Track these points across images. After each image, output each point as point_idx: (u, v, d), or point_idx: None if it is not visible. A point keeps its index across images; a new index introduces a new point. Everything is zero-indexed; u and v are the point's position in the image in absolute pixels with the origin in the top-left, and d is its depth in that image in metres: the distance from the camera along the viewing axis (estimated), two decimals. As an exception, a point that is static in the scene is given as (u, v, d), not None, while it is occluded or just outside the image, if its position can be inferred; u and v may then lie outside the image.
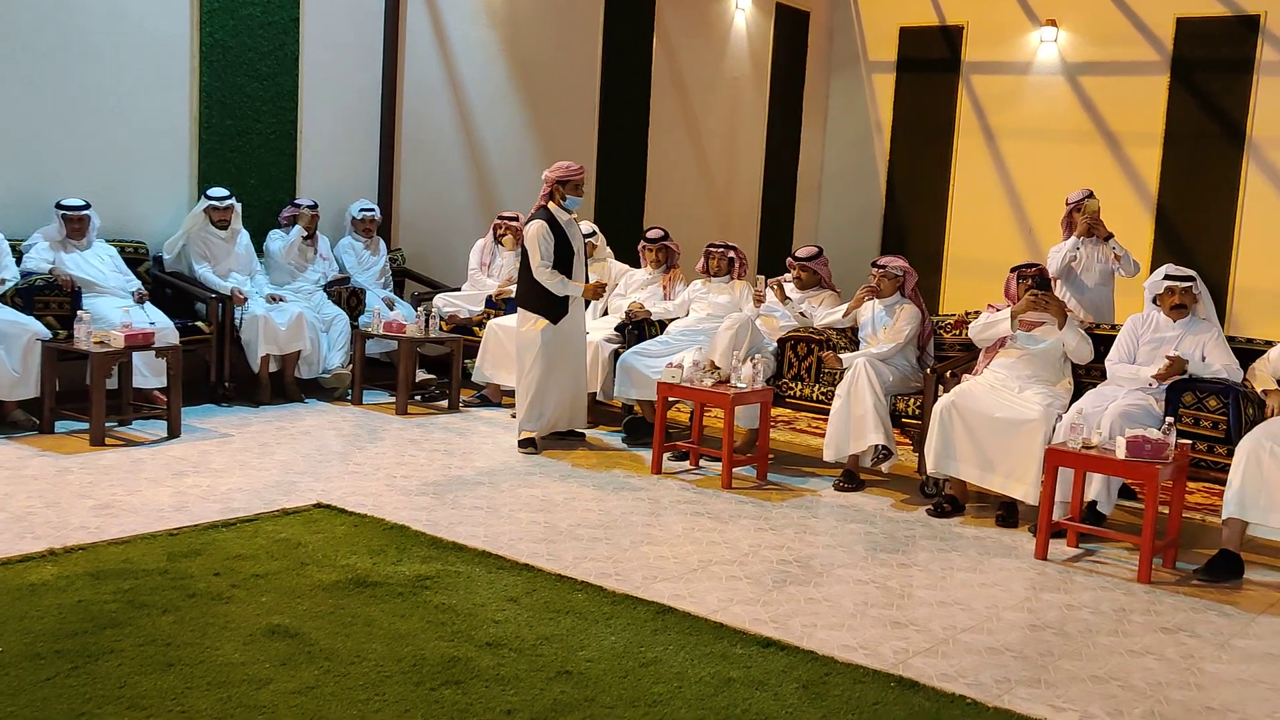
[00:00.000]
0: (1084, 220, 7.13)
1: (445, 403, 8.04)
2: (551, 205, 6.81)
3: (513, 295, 8.36)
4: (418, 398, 8.10)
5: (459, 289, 8.79)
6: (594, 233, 8.32)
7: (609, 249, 8.52)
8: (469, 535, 5.16)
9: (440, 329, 8.19)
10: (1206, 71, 9.29)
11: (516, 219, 8.67)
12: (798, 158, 11.71)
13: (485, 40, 9.38)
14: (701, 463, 6.85)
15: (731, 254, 7.69)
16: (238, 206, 7.80)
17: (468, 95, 9.33)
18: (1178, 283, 5.87)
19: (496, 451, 6.86)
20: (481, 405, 8.15)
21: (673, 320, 7.69)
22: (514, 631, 4.06)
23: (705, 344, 7.03)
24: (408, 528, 5.20)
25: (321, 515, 5.33)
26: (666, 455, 6.78)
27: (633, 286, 8.11)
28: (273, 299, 7.77)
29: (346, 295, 8.30)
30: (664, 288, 7.98)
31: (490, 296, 8.46)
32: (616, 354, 7.42)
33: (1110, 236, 7.16)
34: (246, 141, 8.19)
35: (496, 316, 8.16)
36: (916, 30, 10.89)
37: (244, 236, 7.94)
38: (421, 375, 8.36)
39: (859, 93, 11.37)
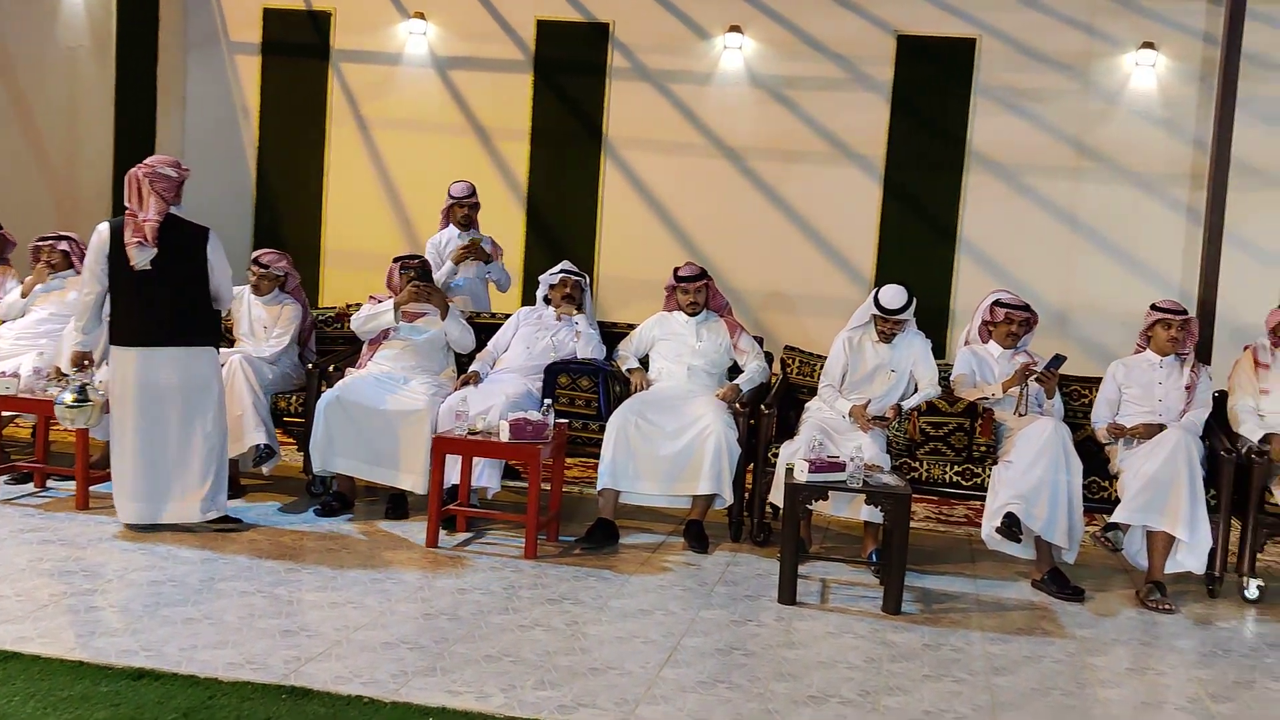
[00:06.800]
0: (461, 212, 7.32)
1: None
2: None
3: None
4: None
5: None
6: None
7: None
8: None
9: None
10: (567, 73, 9.87)
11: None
12: (154, 139, 10.70)
13: None
14: (49, 483, 5.97)
15: (65, 245, 6.74)
16: None
17: None
18: (571, 275, 6.39)
19: None
20: None
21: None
22: None
23: (49, 348, 6.14)
24: None
25: None
26: (3, 479, 5.86)
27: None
28: None
29: None
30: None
31: None
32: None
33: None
34: None
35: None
36: (282, 13, 10.44)
37: None
38: None
39: (221, 74, 10.66)
